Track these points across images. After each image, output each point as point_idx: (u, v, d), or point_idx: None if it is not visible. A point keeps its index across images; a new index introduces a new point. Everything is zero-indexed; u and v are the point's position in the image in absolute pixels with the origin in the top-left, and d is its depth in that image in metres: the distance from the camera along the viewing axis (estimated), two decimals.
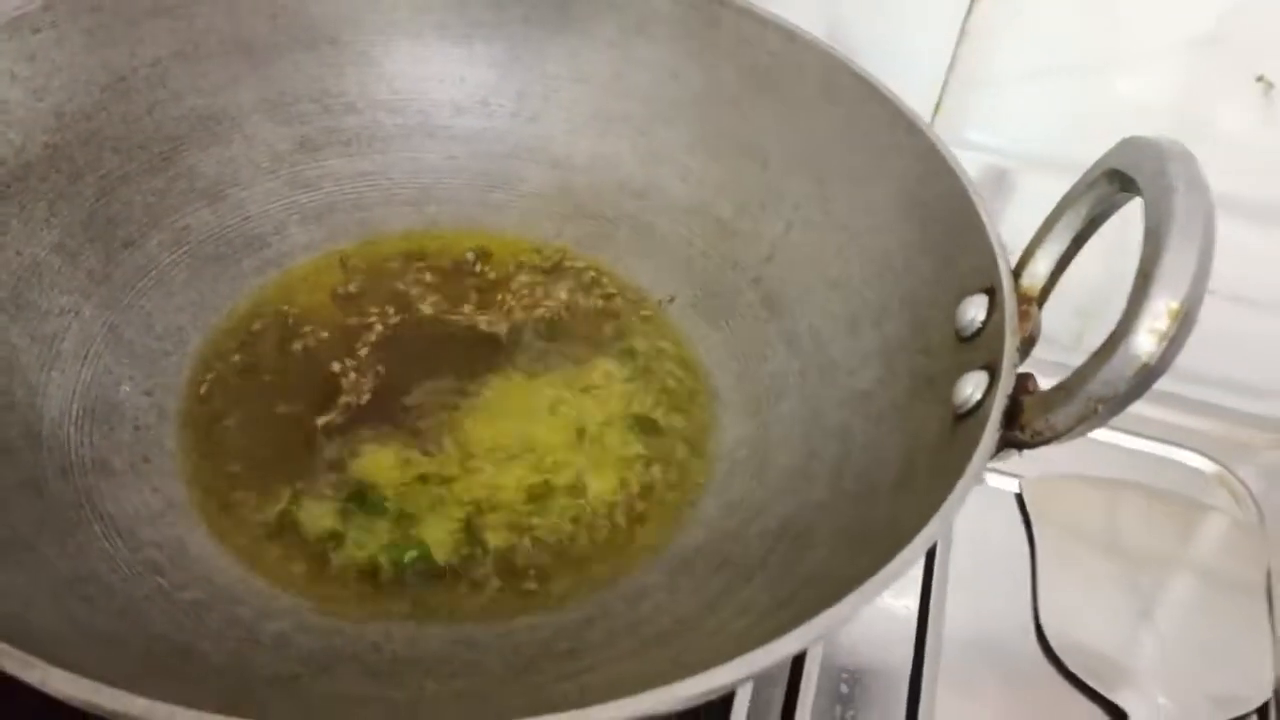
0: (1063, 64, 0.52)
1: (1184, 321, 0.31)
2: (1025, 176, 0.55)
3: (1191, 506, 0.56)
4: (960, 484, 0.33)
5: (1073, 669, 0.48)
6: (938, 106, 0.54)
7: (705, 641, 0.36)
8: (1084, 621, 0.50)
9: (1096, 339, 0.59)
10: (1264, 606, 0.52)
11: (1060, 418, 0.34)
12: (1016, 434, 0.35)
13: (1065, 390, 0.34)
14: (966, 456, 0.34)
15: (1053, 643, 0.49)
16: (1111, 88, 0.52)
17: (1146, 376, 0.32)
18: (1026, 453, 0.36)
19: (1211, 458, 0.57)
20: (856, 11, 0.54)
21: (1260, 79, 0.49)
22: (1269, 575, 0.53)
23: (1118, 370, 0.32)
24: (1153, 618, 0.51)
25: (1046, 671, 0.49)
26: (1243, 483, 0.56)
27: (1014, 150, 0.55)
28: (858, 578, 0.32)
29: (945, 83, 0.53)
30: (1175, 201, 0.33)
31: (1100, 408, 0.33)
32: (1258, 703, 0.48)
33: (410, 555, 0.42)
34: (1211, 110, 0.51)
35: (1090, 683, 0.48)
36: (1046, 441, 0.35)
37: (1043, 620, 0.50)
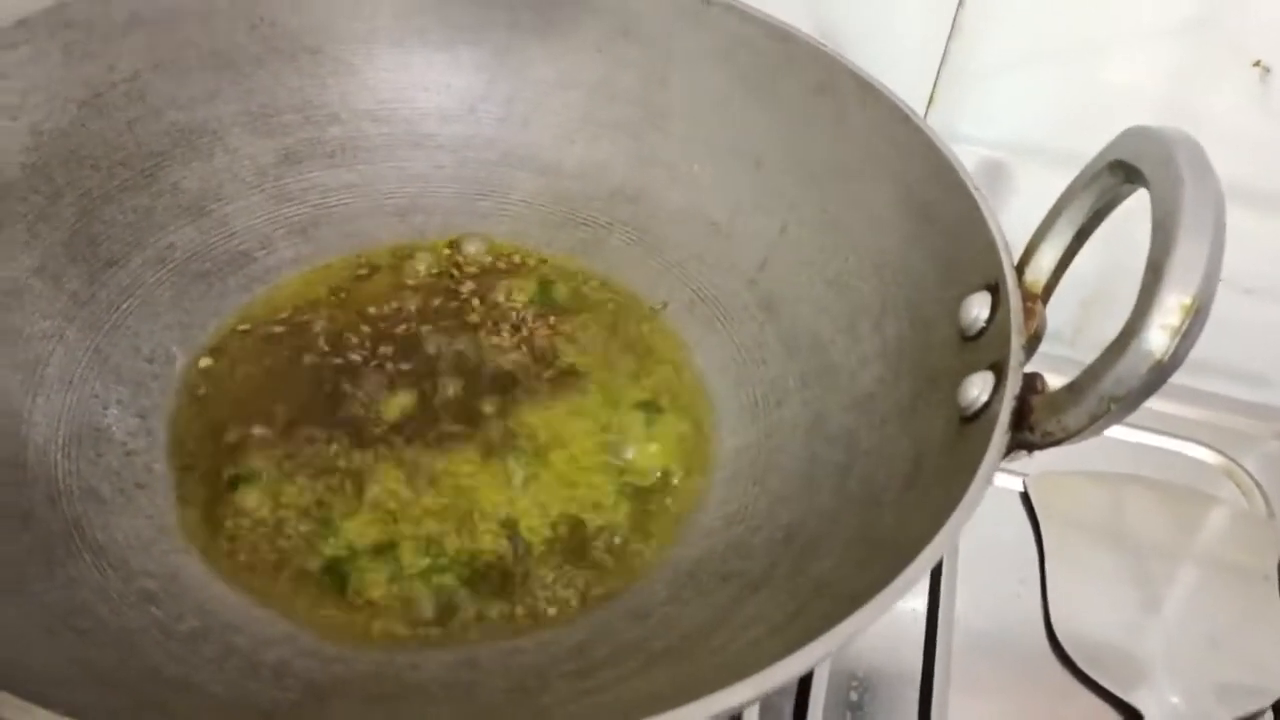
0: (1057, 52, 0.51)
1: (1196, 316, 0.30)
2: (1021, 169, 0.55)
3: (1198, 499, 0.55)
4: (972, 488, 0.33)
5: (1085, 668, 0.48)
6: (931, 100, 0.53)
7: (715, 657, 0.36)
8: (1095, 619, 0.49)
9: (1097, 332, 0.59)
10: (1276, 598, 0.51)
11: (1072, 417, 0.33)
12: (1026, 435, 0.34)
13: (1076, 389, 0.33)
14: (976, 459, 0.34)
15: (1064, 642, 0.48)
16: (1107, 76, 0.51)
17: (1160, 373, 0.31)
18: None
19: (1216, 449, 0.57)
20: (845, 6, 0.53)
21: (1257, 64, 0.49)
22: None
23: (1130, 368, 0.31)
24: (1163, 614, 0.50)
25: (1058, 671, 0.48)
26: (1249, 474, 0.56)
27: (1009, 142, 0.54)
28: (871, 586, 0.31)
29: (938, 76, 0.52)
30: (1184, 193, 0.32)
31: (1113, 406, 0.32)
32: (1273, 698, 0.47)
33: (412, 580, 0.41)
34: (1208, 96, 0.50)
35: (1103, 682, 0.47)
36: (1058, 442, 0.34)
37: (1053, 619, 0.49)
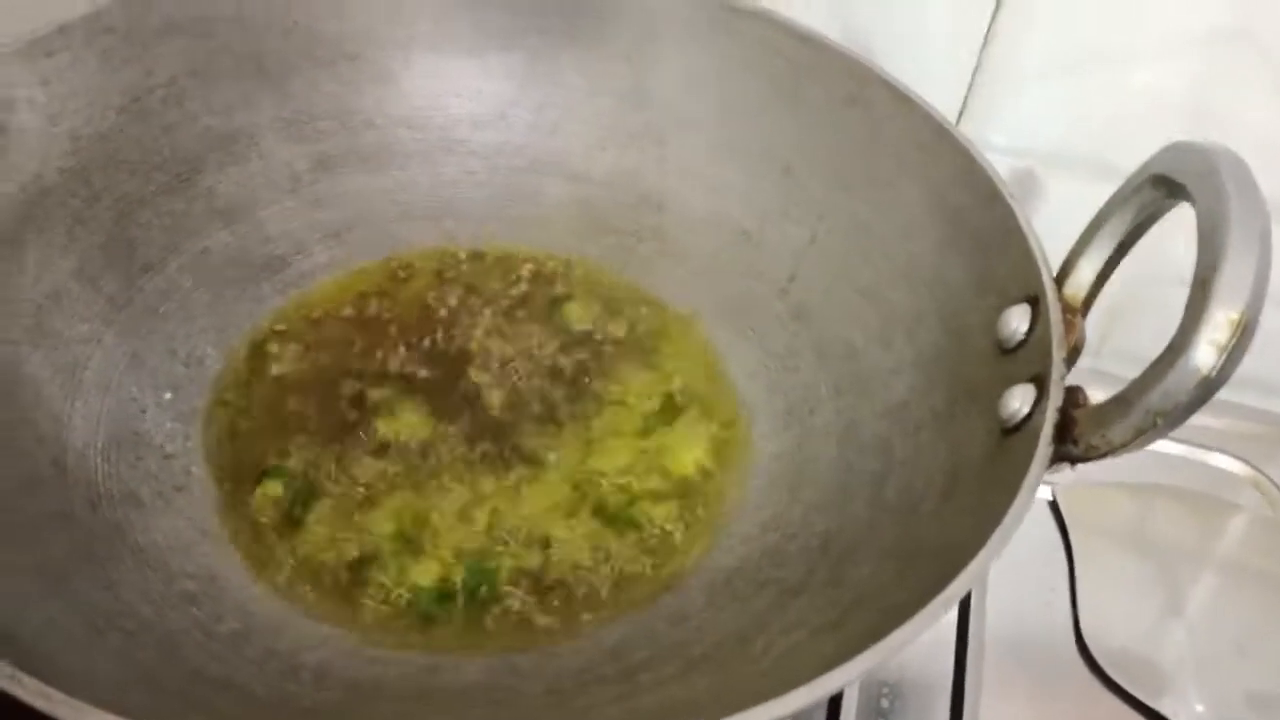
0: (1091, 61, 0.51)
1: (1244, 332, 0.31)
2: (1053, 179, 0.55)
3: (1224, 508, 0.55)
4: (1019, 499, 0.33)
5: (1114, 677, 0.48)
6: (963, 108, 0.53)
7: (755, 664, 0.36)
8: (1123, 628, 0.50)
9: (1123, 342, 0.59)
10: None
11: (1117, 431, 0.33)
12: (1070, 448, 0.35)
13: (1122, 402, 0.33)
14: (1020, 471, 0.34)
15: (1093, 649, 0.48)
16: (1140, 86, 0.51)
17: (1207, 389, 0.31)
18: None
19: (1241, 458, 0.57)
20: (875, 12, 0.53)
21: None
22: None
23: (1178, 383, 0.31)
24: (1191, 621, 0.50)
25: (1087, 680, 0.48)
26: (1274, 482, 0.56)
27: (1041, 152, 0.54)
28: (915, 596, 0.31)
29: (971, 84, 0.52)
30: (1230, 208, 0.32)
31: (1159, 420, 0.32)
32: None
33: (454, 585, 0.41)
34: (1239, 107, 0.51)
35: (1133, 691, 0.47)
36: (1102, 456, 0.34)
37: (1083, 627, 0.49)
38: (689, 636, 0.39)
